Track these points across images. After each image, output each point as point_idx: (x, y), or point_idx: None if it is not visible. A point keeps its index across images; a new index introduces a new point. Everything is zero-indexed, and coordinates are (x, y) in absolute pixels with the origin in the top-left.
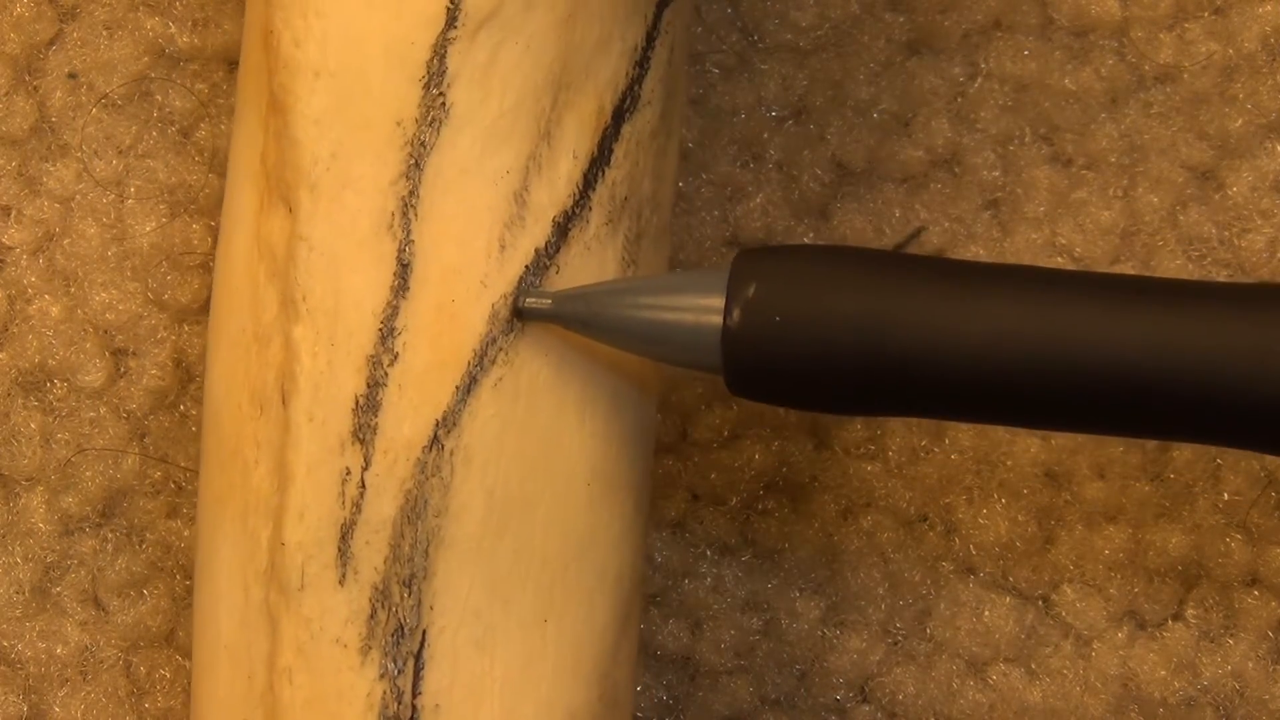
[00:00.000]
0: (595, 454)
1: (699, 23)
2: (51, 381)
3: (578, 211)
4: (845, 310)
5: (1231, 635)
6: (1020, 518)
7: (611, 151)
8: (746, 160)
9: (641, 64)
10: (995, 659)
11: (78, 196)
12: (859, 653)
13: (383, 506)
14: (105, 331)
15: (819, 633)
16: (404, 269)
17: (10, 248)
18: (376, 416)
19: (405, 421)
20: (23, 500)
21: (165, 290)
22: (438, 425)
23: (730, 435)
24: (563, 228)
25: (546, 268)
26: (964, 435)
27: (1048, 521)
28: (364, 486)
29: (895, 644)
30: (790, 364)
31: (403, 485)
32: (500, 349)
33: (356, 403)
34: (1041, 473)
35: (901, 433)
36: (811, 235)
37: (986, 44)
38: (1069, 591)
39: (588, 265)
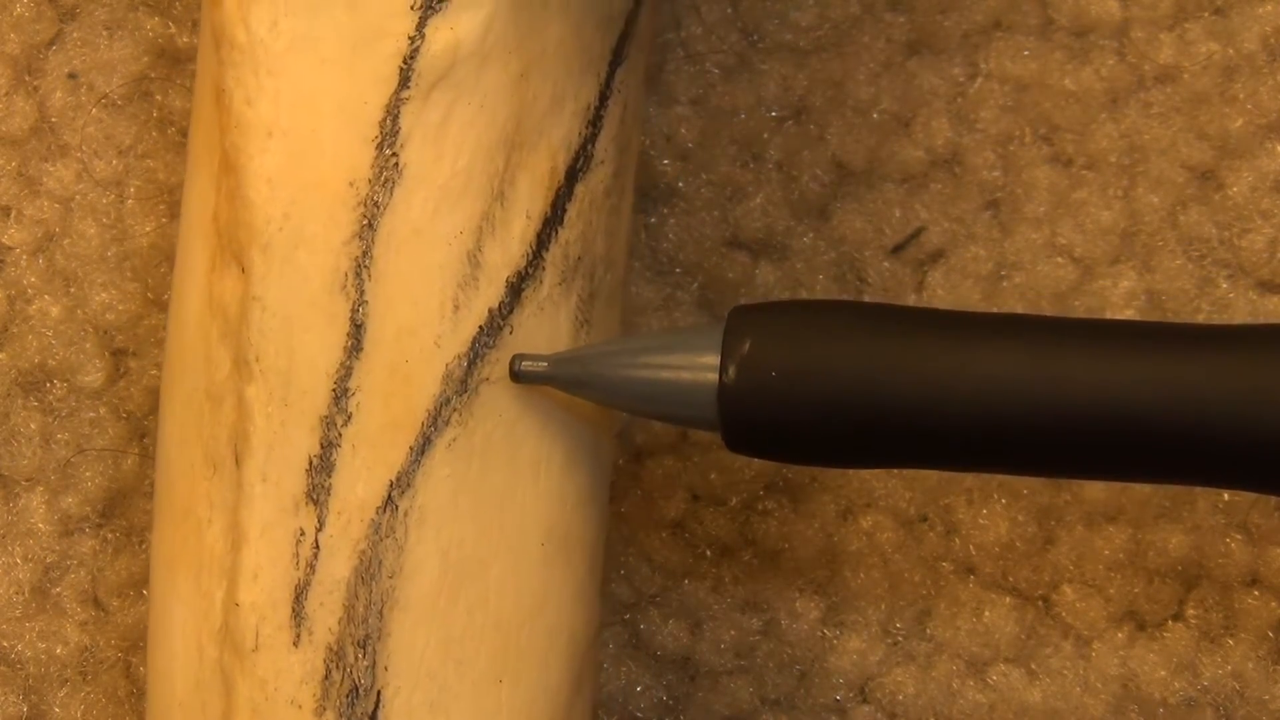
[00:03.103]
0: (549, 514)
1: (699, 22)
2: (51, 381)
3: (531, 272)
4: (841, 364)
5: (1231, 636)
6: (1020, 518)
7: (565, 211)
8: (746, 160)
9: (594, 123)
10: (995, 659)
11: (78, 196)
12: (859, 653)
13: (337, 567)
14: (105, 331)
15: (819, 633)
16: (357, 329)
17: (10, 248)
18: (330, 477)
19: (359, 482)
20: (23, 500)
21: (165, 290)
22: (391, 486)
23: None
24: (516, 288)
25: (500, 328)
26: None
27: (1048, 522)
28: (318, 547)
29: (895, 644)
30: (788, 419)
31: (356, 546)
32: (454, 409)
33: (310, 463)
34: None
35: None
36: (811, 235)
37: (986, 44)
38: (1069, 592)
39: (541, 325)
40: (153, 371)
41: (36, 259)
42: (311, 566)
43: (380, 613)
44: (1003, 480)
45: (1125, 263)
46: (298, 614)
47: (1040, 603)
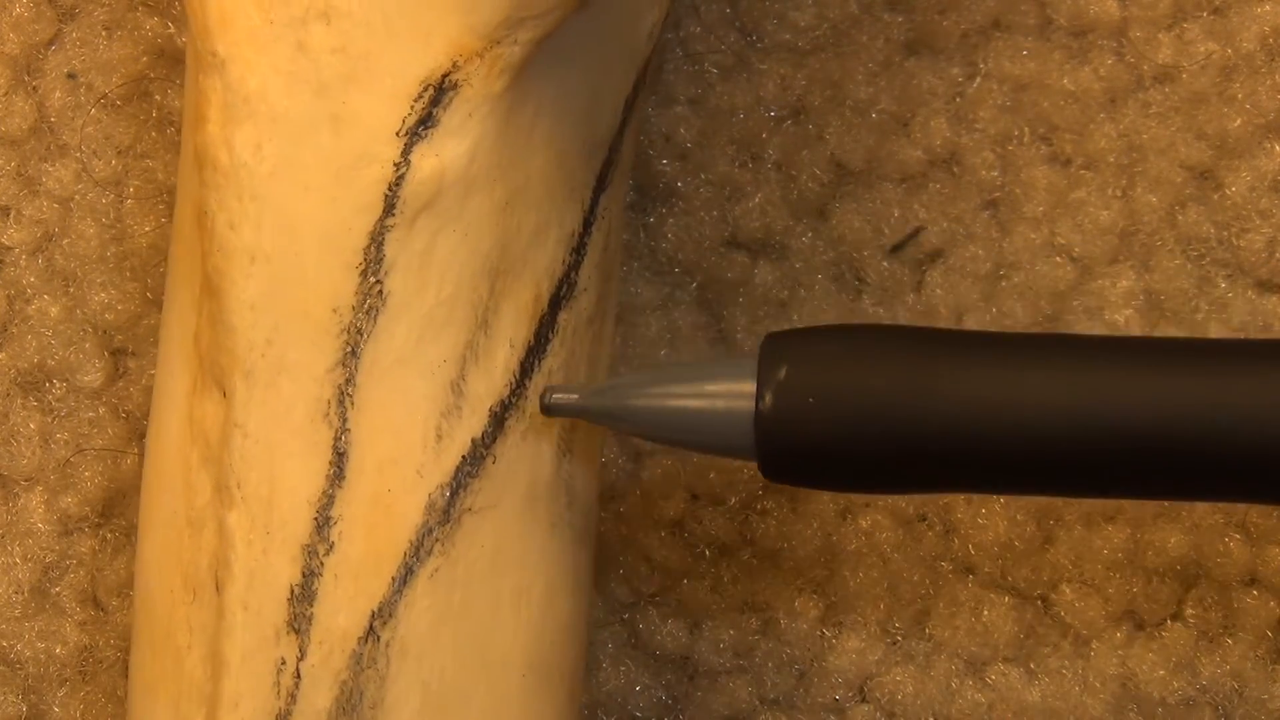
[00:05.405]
0: (530, 644)
1: (697, 22)
2: (51, 381)
3: (514, 401)
4: (879, 389)
5: (1230, 635)
6: (1019, 517)
7: (548, 340)
8: (745, 160)
9: (578, 250)
10: (994, 659)
11: (77, 196)
12: (858, 652)
13: (318, 698)
14: (105, 331)
15: (818, 632)
16: (340, 458)
17: (9, 248)
18: (312, 606)
19: (341, 612)
20: (22, 500)
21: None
22: (373, 616)
23: None
24: (499, 417)
25: (483, 457)
26: None
27: (1046, 521)
28: (299, 677)
29: (894, 644)
30: (826, 446)
31: (338, 676)
32: (436, 540)
33: (291, 592)
34: None
35: None
36: (810, 235)
37: (985, 44)
38: (1068, 591)
39: (524, 454)
40: (152, 371)
41: (36, 259)
42: (293, 696)
43: None
44: None
45: (1124, 262)
46: None
47: (1039, 602)
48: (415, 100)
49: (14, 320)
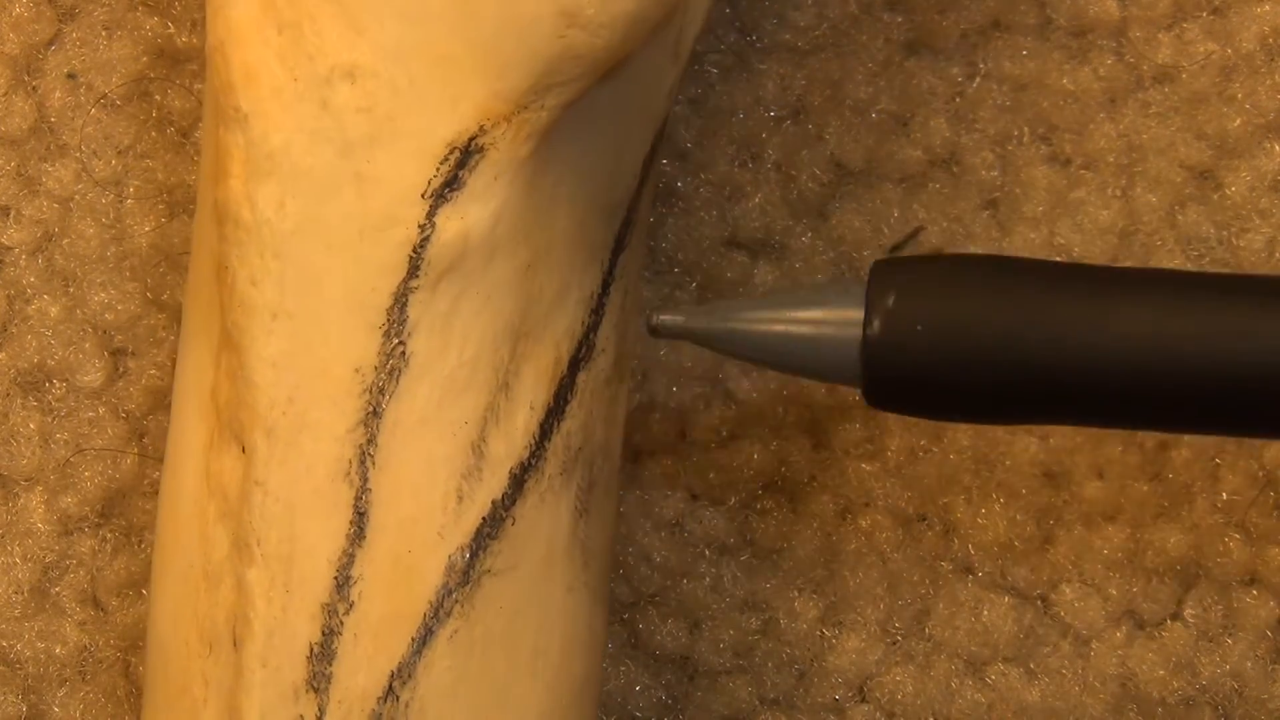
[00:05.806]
0: (546, 704)
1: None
2: (50, 381)
3: (533, 463)
4: (987, 319)
5: (1230, 635)
6: (1019, 517)
7: (567, 402)
8: (745, 160)
9: (597, 311)
10: (994, 659)
11: (77, 196)
12: (857, 652)
13: None
14: (104, 331)
15: (817, 632)
16: (360, 517)
17: (9, 248)
18: (331, 665)
19: (360, 671)
20: (22, 500)
21: (164, 290)
22: (393, 676)
23: (729, 435)
24: (519, 479)
25: (502, 519)
26: (962, 435)
27: (1046, 521)
28: None
29: (894, 644)
30: (932, 374)
31: None
32: (456, 601)
33: (311, 650)
34: (1040, 472)
35: (900, 433)
36: (810, 235)
37: (985, 44)
38: (1068, 591)
39: (542, 516)
40: (151, 371)
41: (35, 259)
42: None
43: None
44: (1001, 479)
45: (1124, 262)
46: None
47: (1039, 602)
48: (441, 162)
49: (14, 320)
